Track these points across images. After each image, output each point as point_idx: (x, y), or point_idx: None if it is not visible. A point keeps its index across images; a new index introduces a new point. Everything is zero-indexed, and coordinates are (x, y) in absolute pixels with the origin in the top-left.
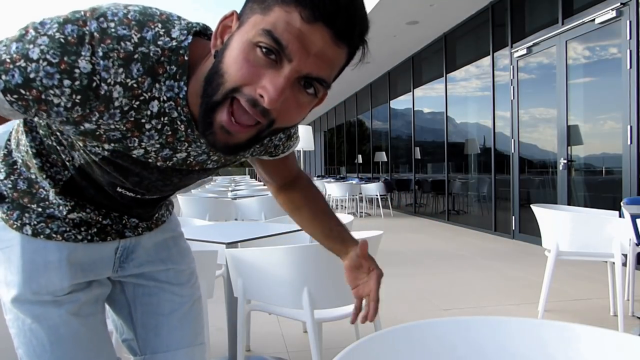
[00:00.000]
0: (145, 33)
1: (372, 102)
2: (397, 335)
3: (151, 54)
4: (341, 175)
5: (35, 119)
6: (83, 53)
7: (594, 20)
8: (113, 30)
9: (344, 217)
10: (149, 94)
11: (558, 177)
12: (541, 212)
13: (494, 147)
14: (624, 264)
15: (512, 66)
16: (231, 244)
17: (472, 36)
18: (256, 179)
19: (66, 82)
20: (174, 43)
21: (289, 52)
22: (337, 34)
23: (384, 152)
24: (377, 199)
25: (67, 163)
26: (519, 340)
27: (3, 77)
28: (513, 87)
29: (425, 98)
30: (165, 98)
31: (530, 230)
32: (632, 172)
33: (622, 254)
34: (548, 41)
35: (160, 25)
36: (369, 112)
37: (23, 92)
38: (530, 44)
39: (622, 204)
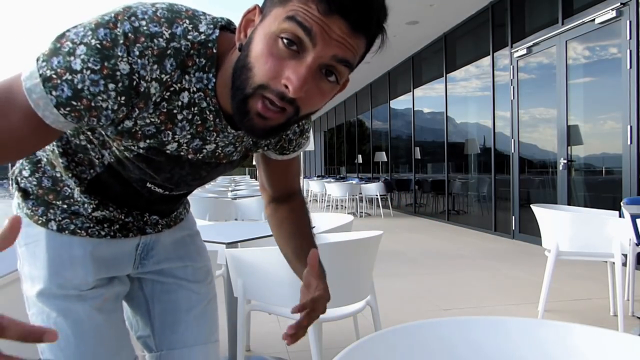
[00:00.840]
0: (175, 29)
1: (372, 102)
2: (397, 335)
3: (182, 48)
4: (341, 175)
5: (85, 127)
6: (120, 54)
7: (594, 20)
8: (145, 28)
9: (344, 217)
10: (179, 85)
11: (558, 177)
12: (541, 212)
13: (494, 147)
14: (624, 264)
15: (512, 66)
16: (231, 244)
17: (472, 36)
18: (256, 179)
19: (111, 85)
20: (203, 37)
21: (314, 34)
22: (354, 25)
23: (384, 152)
24: (377, 199)
25: (97, 161)
26: (519, 340)
27: (53, 92)
28: (513, 87)
29: (425, 98)
30: (195, 89)
31: (530, 230)
32: (632, 172)
33: (622, 254)
34: (548, 41)
35: (188, 21)
36: (369, 112)
37: (75, 103)
38: (530, 44)
39: (622, 204)
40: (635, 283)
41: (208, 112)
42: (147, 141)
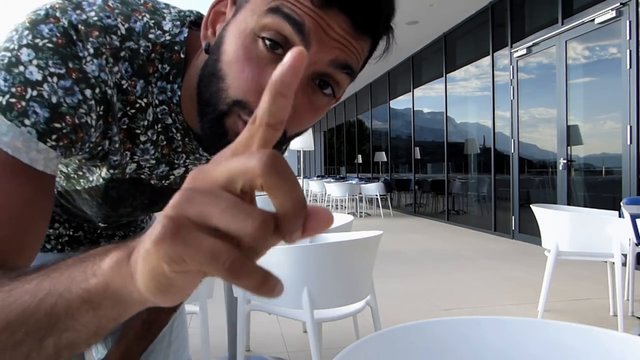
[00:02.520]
0: (133, 24)
1: (372, 102)
2: (397, 335)
3: (141, 50)
4: (341, 175)
5: (70, 161)
6: (80, 53)
7: (593, 20)
8: (96, 19)
9: (344, 217)
10: (145, 100)
11: (558, 177)
12: (541, 212)
13: (493, 147)
14: (624, 264)
15: (511, 66)
16: None
17: (471, 36)
18: None
19: (87, 92)
20: (167, 37)
21: (307, 31)
22: (358, 23)
23: (383, 152)
24: (377, 199)
25: None
26: (519, 340)
27: (26, 122)
28: (513, 87)
29: (425, 98)
30: (157, 102)
31: (530, 230)
32: (631, 172)
33: (622, 254)
34: (548, 41)
35: (148, 16)
36: (368, 112)
37: (58, 125)
38: (530, 44)
39: (622, 204)
40: (635, 283)
41: (174, 130)
42: (111, 171)
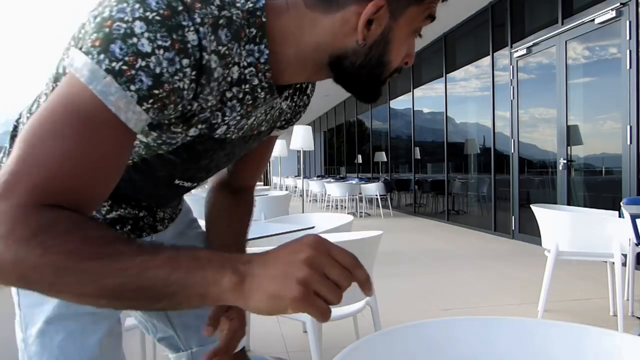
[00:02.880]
0: None
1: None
2: (397, 335)
3: (234, 17)
4: (341, 176)
5: (149, 132)
6: (185, 23)
7: (593, 20)
8: None
9: (344, 217)
10: (234, 60)
11: (558, 177)
12: (541, 212)
13: (493, 147)
14: (624, 264)
15: (511, 66)
16: None
17: (471, 36)
18: None
19: (185, 61)
20: (250, 4)
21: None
22: None
23: (383, 152)
24: (377, 199)
25: None
26: (519, 340)
27: (132, 87)
28: (513, 87)
29: (425, 98)
30: (245, 64)
31: (530, 230)
32: (631, 172)
33: (622, 254)
34: (548, 41)
35: None
36: (368, 112)
37: (157, 92)
38: (530, 44)
39: (621, 204)
40: (635, 283)
41: (259, 90)
42: (199, 126)
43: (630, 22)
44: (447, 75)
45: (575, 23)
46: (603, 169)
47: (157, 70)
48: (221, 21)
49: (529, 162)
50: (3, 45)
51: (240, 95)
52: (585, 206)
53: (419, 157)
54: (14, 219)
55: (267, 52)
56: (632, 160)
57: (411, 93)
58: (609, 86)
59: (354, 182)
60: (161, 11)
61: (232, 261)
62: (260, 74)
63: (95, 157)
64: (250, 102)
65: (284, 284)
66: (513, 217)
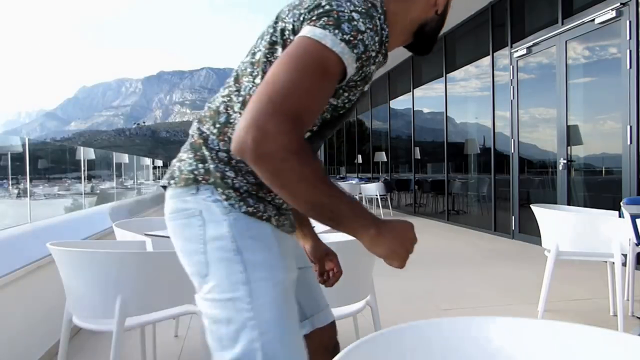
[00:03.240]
0: None
1: (372, 102)
2: (397, 335)
3: (380, 4)
4: (341, 176)
5: (341, 93)
6: (375, 13)
7: (593, 20)
8: None
9: None
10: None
11: (558, 177)
12: (541, 212)
13: (493, 147)
14: (624, 264)
15: (511, 66)
16: None
17: (471, 36)
18: None
19: (377, 38)
20: None
21: None
22: None
23: (383, 152)
24: (377, 199)
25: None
26: (519, 340)
27: (354, 50)
28: (513, 87)
29: (425, 98)
30: (384, 38)
31: (530, 230)
32: (631, 172)
33: (622, 254)
34: (548, 41)
35: None
36: (368, 112)
37: (364, 56)
38: (530, 44)
39: (621, 204)
40: (635, 283)
41: (381, 56)
42: (368, 85)
43: (630, 22)
44: (447, 75)
45: (575, 23)
46: (603, 169)
47: (367, 42)
48: (383, 10)
49: (529, 162)
50: (3, 45)
51: (377, 59)
52: (585, 206)
53: (419, 157)
54: (289, 133)
55: (387, 30)
56: (632, 160)
57: (411, 93)
58: (609, 86)
59: (354, 182)
60: (364, 7)
61: (376, 220)
62: (383, 46)
63: (323, 95)
64: (378, 64)
65: (400, 247)
66: (513, 217)
